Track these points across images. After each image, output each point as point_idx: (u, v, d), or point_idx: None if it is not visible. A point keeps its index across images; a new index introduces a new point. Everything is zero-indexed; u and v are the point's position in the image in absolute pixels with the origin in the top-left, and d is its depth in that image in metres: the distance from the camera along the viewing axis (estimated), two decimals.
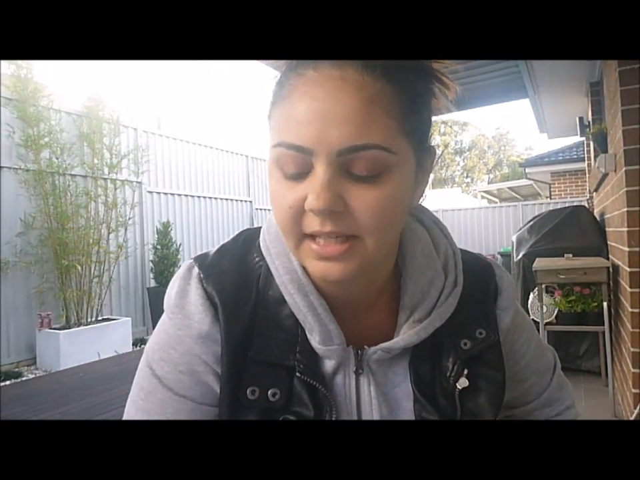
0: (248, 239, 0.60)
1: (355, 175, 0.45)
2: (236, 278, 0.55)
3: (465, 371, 0.56)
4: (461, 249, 0.63)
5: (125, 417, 0.56)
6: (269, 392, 0.52)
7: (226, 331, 0.53)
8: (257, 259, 0.57)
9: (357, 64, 0.45)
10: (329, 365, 0.54)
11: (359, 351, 0.55)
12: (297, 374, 0.52)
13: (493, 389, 0.58)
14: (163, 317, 0.57)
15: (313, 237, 0.47)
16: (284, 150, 0.46)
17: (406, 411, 0.56)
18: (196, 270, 0.56)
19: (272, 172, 0.49)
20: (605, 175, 3.29)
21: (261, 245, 0.57)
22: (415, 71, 0.49)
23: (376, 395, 0.55)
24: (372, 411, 0.54)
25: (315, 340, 0.53)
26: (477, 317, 0.59)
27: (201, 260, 0.57)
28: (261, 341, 0.53)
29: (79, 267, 5.21)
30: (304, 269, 0.53)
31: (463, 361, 0.56)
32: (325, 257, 0.47)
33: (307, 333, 0.54)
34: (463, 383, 0.55)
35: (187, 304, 0.54)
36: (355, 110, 0.43)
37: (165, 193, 6.92)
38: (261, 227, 0.60)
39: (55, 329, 4.93)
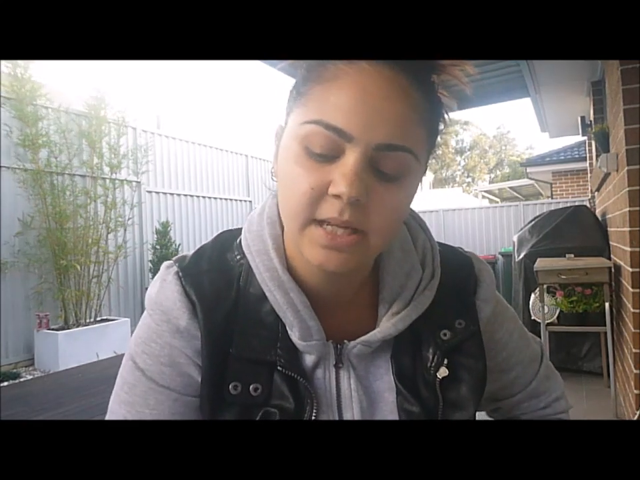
0: (228, 239, 0.61)
1: (381, 172, 0.47)
2: (215, 277, 0.57)
3: (445, 361, 0.57)
4: (441, 243, 0.65)
5: (108, 412, 0.57)
6: (251, 387, 0.53)
7: (205, 328, 0.54)
8: (237, 257, 0.58)
9: (407, 72, 0.47)
10: (309, 359, 0.56)
11: (339, 345, 0.56)
12: (278, 368, 0.54)
13: (473, 378, 0.59)
14: (145, 313, 0.58)
15: (321, 222, 0.47)
16: (321, 129, 0.45)
17: (388, 403, 0.57)
18: (174, 269, 0.57)
19: (291, 149, 0.48)
20: (607, 175, 3.28)
21: (242, 243, 0.58)
22: (440, 100, 0.52)
23: (356, 387, 0.56)
24: (352, 404, 0.56)
25: (295, 335, 0.54)
26: (456, 308, 0.60)
27: (180, 261, 0.58)
28: (242, 338, 0.54)
29: (78, 267, 5.21)
30: (285, 267, 0.55)
31: (443, 352, 0.57)
32: (331, 246, 0.47)
33: (287, 328, 0.55)
34: (442, 372, 0.56)
35: (165, 300, 0.55)
36: (400, 113, 0.46)
37: (165, 193, 6.92)
38: (240, 228, 0.61)
39: (53, 329, 4.93)
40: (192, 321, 0.54)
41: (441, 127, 0.53)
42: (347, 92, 0.45)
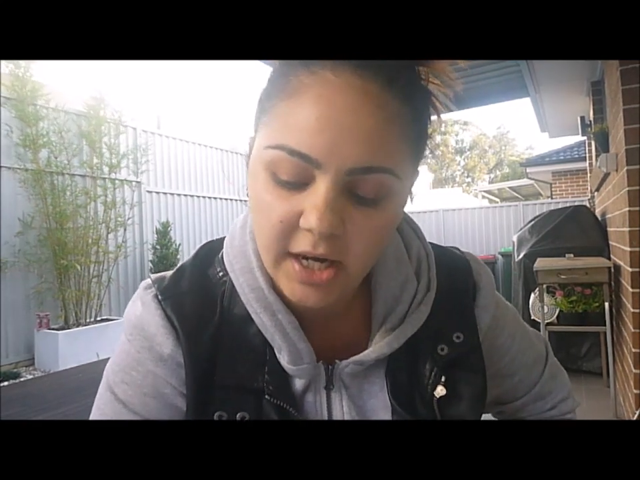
0: (209, 253, 0.56)
1: (358, 197, 0.42)
2: (196, 297, 0.52)
3: (443, 378, 0.53)
4: (435, 245, 0.60)
5: None
6: (237, 416, 0.49)
7: (189, 357, 0.50)
8: (220, 274, 0.54)
9: (380, 79, 0.41)
10: (298, 383, 0.52)
11: (330, 366, 0.53)
12: (266, 396, 0.50)
13: (473, 393, 0.55)
14: (122, 337, 0.53)
15: (296, 256, 0.43)
16: (285, 155, 0.41)
17: None
18: (153, 291, 0.52)
19: (258, 175, 0.44)
20: (607, 175, 3.28)
21: (225, 259, 0.53)
22: (427, 95, 0.47)
23: (349, 409, 0.53)
24: None
25: (284, 359, 0.50)
26: (453, 319, 0.56)
27: (159, 282, 0.53)
28: (227, 364, 0.50)
29: (78, 267, 5.21)
30: (271, 286, 0.50)
31: (440, 368, 0.54)
32: (307, 282, 0.44)
33: (275, 351, 0.51)
34: (440, 391, 0.53)
35: (147, 326, 0.51)
36: (373, 128, 0.40)
37: (165, 193, 6.91)
38: (223, 238, 0.57)
39: (53, 329, 4.92)
40: (176, 348, 0.50)
41: (432, 127, 0.48)
42: (310, 109, 0.40)
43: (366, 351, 0.51)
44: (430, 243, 0.60)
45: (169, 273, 0.55)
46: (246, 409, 0.49)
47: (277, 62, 0.46)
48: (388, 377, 0.53)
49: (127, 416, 0.51)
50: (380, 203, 0.43)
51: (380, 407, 0.53)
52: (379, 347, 0.51)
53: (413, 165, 0.46)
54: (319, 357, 0.52)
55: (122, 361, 0.52)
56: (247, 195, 0.50)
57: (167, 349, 0.50)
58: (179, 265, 0.56)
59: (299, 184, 0.42)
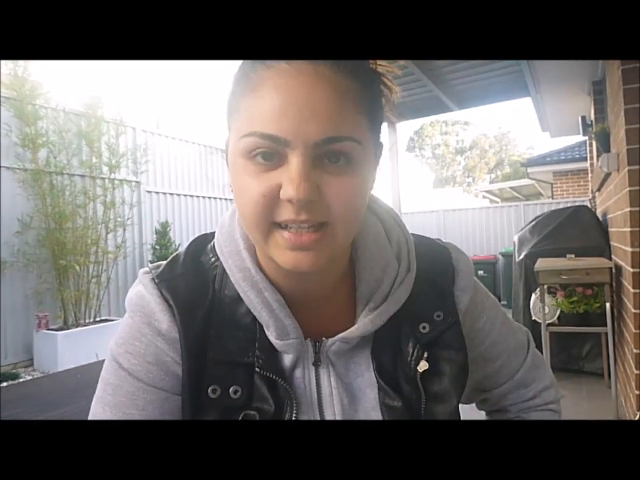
0: (201, 243, 0.62)
1: (328, 165, 0.47)
2: (190, 280, 0.57)
3: (425, 354, 0.57)
4: (417, 235, 0.66)
5: (90, 417, 0.56)
6: (230, 389, 0.53)
7: (183, 334, 0.54)
8: (212, 259, 0.59)
9: (329, 62, 0.46)
10: (287, 359, 0.56)
11: (317, 343, 0.56)
12: (257, 369, 0.54)
13: (455, 370, 0.59)
14: (126, 315, 0.58)
15: (283, 226, 0.48)
16: (257, 139, 0.46)
17: (369, 399, 0.56)
18: (150, 275, 0.57)
19: (237, 163, 0.49)
20: (608, 175, 3.28)
21: (215, 245, 0.59)
22: (374, 71, 0.52)
23: (336, 385, 0.56)
24: (333, 402, 0.56)
25: (272, 335, 0.54)
26: (434, 300, 0.60)
27: (156, 267, 0.59)
28: (219, 341, 0.54)
29: (77, 267, 5.20)
30: (257, 266, 0.55)
31: (422, 345, 0.57)
32: (297, 246, 0.47)
33: (264, 328, 0.55)
34: (423, 366, 0.56)
35: (146, 303, 0.55)
36: (329, 104, 0.45)
37: (164, 193, 6.91)
38: (214, 232, 0.61)
39: (52, 329, 4.92)
40: (172, 324, 0.54)
41: (381, 97, 0.53)
42: (272, 97, 0.45)
43: (351, 328, 0.55)
44: (412, 233, 0.65)
45: (164, 262, 0.60)
46: (238, 383, 0.53)
47: (238, 66, 0.51)
48: (373, 356, 0.57)
49: (131, 383, 0.54)
50: (349, 168, 0.48)
51: (366, 385, 0.57)
52: (363, 324, 0.55)
53: (372, 133, 0.50)
54: (306, 335, 0.56)
55: (126, 334, 0.56)
56: (231, 189, 0.54)
57: (164, 324, 0.54)
58: (173, 254, 0.61)
59: (274, 163, 0.47)
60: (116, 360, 0.55)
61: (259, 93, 0.46)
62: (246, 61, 0.50)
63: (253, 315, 0.55)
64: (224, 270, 0.56)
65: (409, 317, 0.58)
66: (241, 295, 0.55)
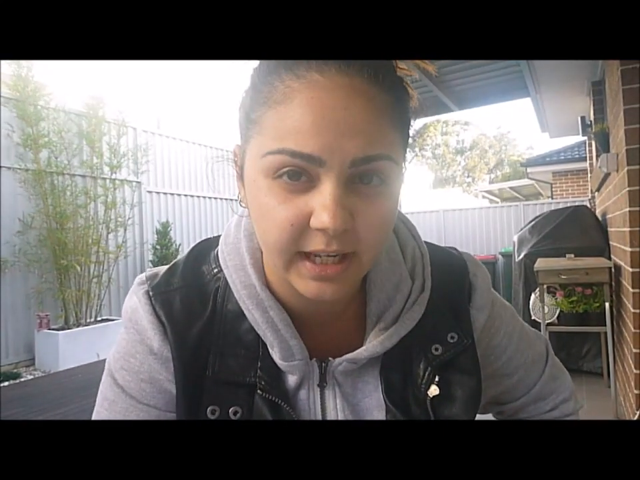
0: (203, 250, 0.58)
1: (361, 187, 0.43)
2: (188, 293, 0.54)
3: (436, 378, 0.53)
4: (432, 245, 0.61)
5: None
6: (230, 410, 0.50)
7: (175, 352, 0.51)
8: (214, 270, 0.55)
9: (363, 74, 0.43)
10: (291, 380, 0.53)
11: (323, 364, 0.53)
12: (259, 391, 0.51)
13: (466, 395, 0.54)
14: (122, 328, 0.56)
15: (307, 254, 0.44)
16: (286, 158, 0.41)
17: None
18: (145, 288, 0.54)
19: (259, 182, 0.44)
20: (607, 175, 3.28)
21: (219, 256, 0.54)
22: (401, 80, 0.48)
23: (342, 407, 0.53)
24: None
25: (275, 355, 0.51)
26: (448, 319, 0.56)
27: (151, 278, 0.55)
28: (219, 359, 0.51)
29: (78, 267, 5.20)
30: (263, 283, 0.51)
31: (434, 367, 0.54)
32: (322, 277, 0.44)
33: (268, 348, 0.52)
34: (433, 391, 0.53)
35: (139, 319, 0.53)
36: (366, 120, 0.42)
37: (165, 193, 6.91)
38: (219, 236, 0.57)
39: (53, 329, 4.92)
40: (164, 343, 0.52)
41: (413, 118, 0.49)
42: (304, 112, 0.41)
43: (359, 350, 0.52)
44: (427, 242, 0.60)
45: (163, 269, 0.57)
46: (239, 404, 0.50)
47: (257, 70, 0.47)
48: (382, 376, 0.54)
49: (124, 400, 0.53)
50: (383, 190, 0.44)
51: (374, 406, 0.53)
52: (372, 345, 0.52)
53: (404, 150, 0.47)
54: (312, 355, 0.53)
55: (122, 348, 0.54)
56: (240, 203, 0.51)
57: (156, 343, 0.52)
58: (173, 261, 0.58)
59: (301, 183, 0.42)
60: (112, 375, 0.54)
61: (289, 105, 0.41)
62: (266, 66, 0.45)
63: (256, 332, 0.52)
64: (227, 283, 0.53)
65: (421, 336, 0.54)
66: (245, 312, 0.51)
